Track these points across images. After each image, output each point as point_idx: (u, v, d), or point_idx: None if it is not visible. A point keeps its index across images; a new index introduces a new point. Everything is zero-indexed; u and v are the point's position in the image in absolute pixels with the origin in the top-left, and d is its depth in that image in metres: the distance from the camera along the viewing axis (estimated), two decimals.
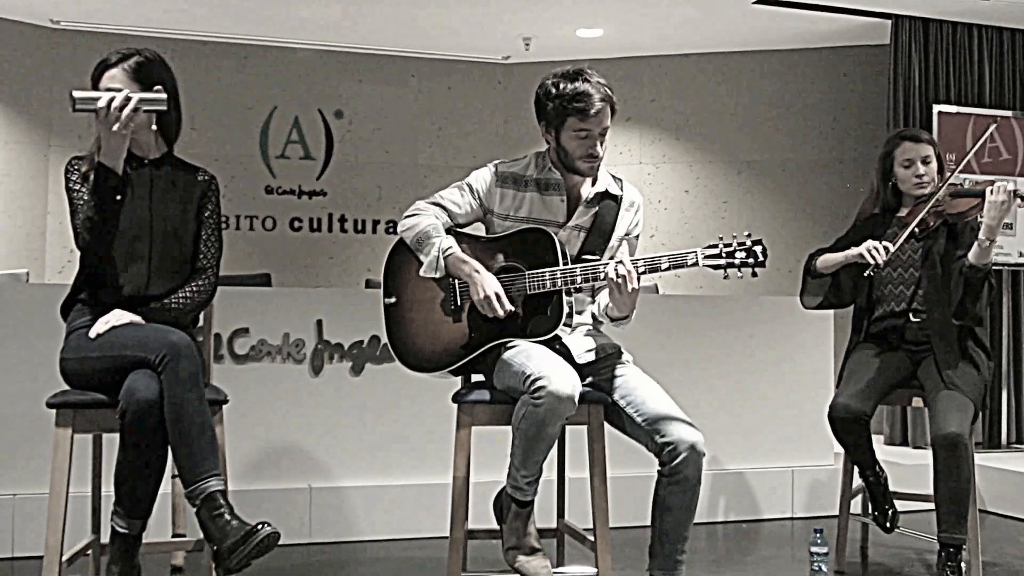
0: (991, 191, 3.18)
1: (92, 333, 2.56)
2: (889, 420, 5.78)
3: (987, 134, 3.44)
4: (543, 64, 6.52)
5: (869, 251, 3.27)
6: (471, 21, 6.26)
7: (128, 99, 2.51)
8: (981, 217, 3.25)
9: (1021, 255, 5.75)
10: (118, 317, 2.58)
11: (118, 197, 2.56)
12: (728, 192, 6.83)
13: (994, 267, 5.58)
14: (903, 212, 3.50)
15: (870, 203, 3.59)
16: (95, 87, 2.71)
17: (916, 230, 3.37)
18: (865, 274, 3.35)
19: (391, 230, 6.90)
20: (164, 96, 2.60)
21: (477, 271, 2.67)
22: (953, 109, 5.75)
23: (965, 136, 5.74)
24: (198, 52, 6.58)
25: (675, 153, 6.91)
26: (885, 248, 3.26)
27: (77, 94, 2.54)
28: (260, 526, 2.35)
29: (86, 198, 2.61)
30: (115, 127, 2.50)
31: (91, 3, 5.97)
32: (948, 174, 3.46)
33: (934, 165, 3.45)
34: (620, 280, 2.53)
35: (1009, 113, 5.85)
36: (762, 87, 6.76)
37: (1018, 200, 3.19)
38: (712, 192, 6.85)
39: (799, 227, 6.63)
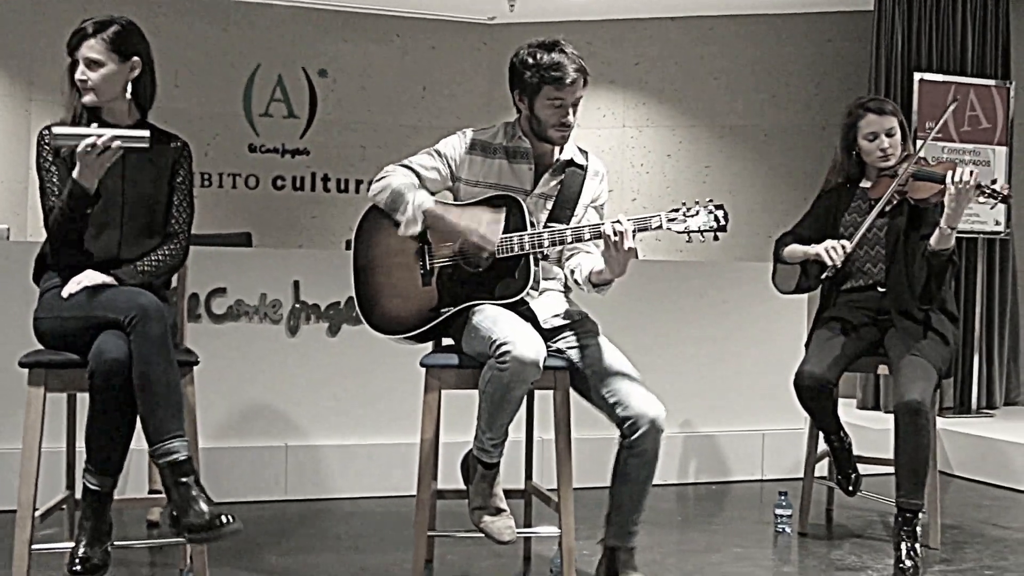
0: (951, 181, 3.15)
1: (64, 293, 2.59)
2: (862, 384, 5.86)
3: (947, 113, 3.42)
4: (528, 25, 6.51)
5: (828, 251, 3.33)
6: None
7: (110, 141, 2.50)
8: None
9: (997, 223, 5.80)
10: (91, 278, 2.61)
11: (88, 210, 2.59)
12: (710, 156, 6.85)
13: (970, 235, 5.70)
14: (867, 184, 3.53)
15: (834, 174, 3.62)
16: (72, 55, 2.70)
17: (884, 208, 3.40)
18: (823, 276, 3.41)
19: (368, 196, 6.90)
20: (147, 134, 2.58)
21: (455, 221, 2.71)
22: (935, 77, 5.76)
23: (946, 103, 5.75)
24: (182, 9, 6.53)
25: (658, 117, 6.91)
26: (843, 247, 3.32)
27: (57, 130, 2.54)
28: (226, 519, 2.39)
29: (56, 181, 2.64)
30: (95, 165, 2.51)
31: None
32: (912, 153, 3.46)
33: (898, 136, 3.46)
34: (617, 237, 2.56)
35: (991, 82, 5.87)
36: (746, 52, 6.75)
37: (977, 190, 3.17)
38: (694, 156, 6.87)
39: (780, 192, 6.66)
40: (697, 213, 2.62)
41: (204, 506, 2.41)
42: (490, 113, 6.66)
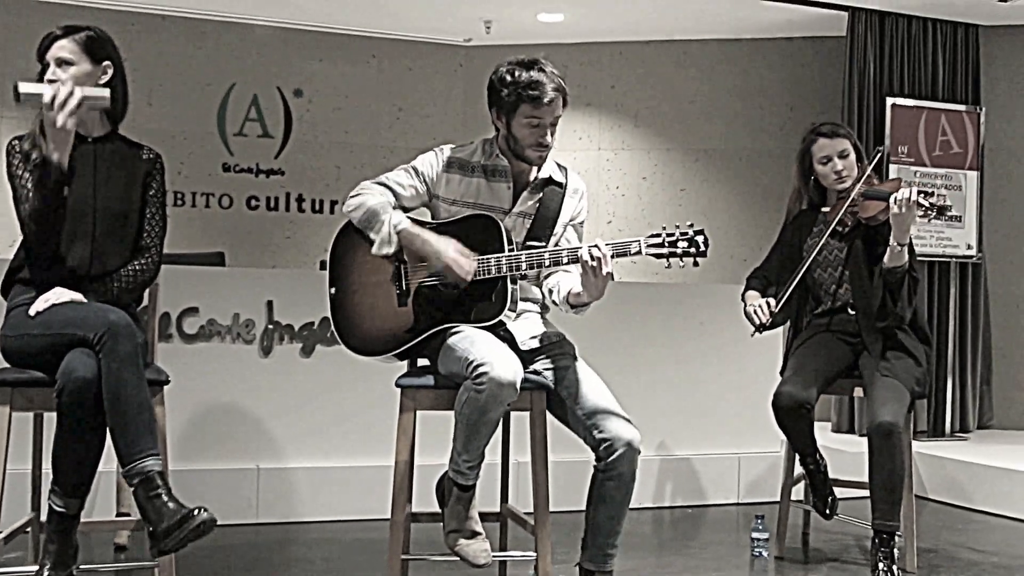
0: (893, 200, 3.21)
1: (32, 311, 2.54)
2: (836, 408, 5.87)
3: (876, 159, 3.47)
4: (504, 48, 6.52)
5: (754, 312, 3.43)
6: (433, 3, 6.23)
7: (71, 93, 2.50)
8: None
9: (969, 247, 5.86)
10: (58, 295, 2.56)
11: (64, 190, 2.55)
12: (685, 180, 6.87)
13: (942, 259, 5.75)
14: (827, 208, 3.56)
15: (795, 202, 3.67)
16: (41, 60, 2.68)
17: (837, 228, 3.44)
18: (751, 334, 3.46)
19: (343, 212, 6.87)
20: (107, 93, 2.60)
21: (431, 242, 2.68)
22: (907, 102, 5.83)
23: (918, 129, 5.83)
24: (156, 27, 6.49)
25: (633, 140, 6.94)
26: (768, 304, 3.42)
27: (22, 87, 2.53)
28: (197, 511, 2.34)
29: (29, 186, 2.60)
30: (60, 121, 2.49)
31: None
32: (862, 174, 3.49)
33: (852, 157, 3.51)
34: (595, 263, 2.54)
35: (962, 107, 5.94)
36: (721, 75, 6.80)
37: (920, 208, 3.20)
38: (670, 179, 6.89)
39: (755, 216, 6.69)
40: (677, 238, 2.61)
41: (173, 505, 2.35)
42: (466, 135, 6.64)
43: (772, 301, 3.44)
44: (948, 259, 5.81)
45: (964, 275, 5.98)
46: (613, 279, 2.60)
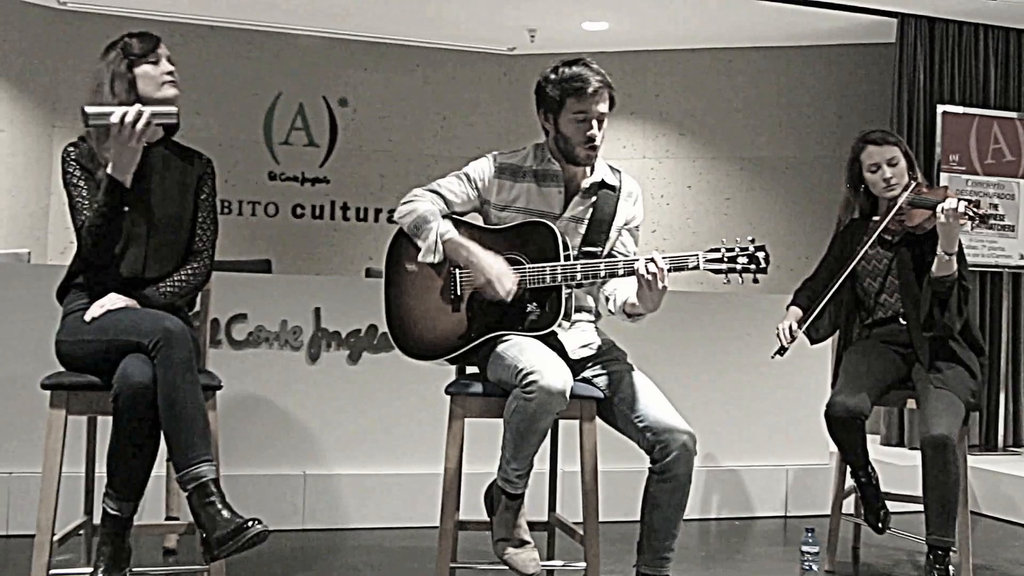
0: (940, 209, 3.16)
1: (87, 316, 2.57)
2: (886, 421, 5.78)
3: (901, 201, 3.39)
4: (548, 56, 6.49)
5: (779, 333, 3.41)
6: (477, 12, 6.25)
7: (140, 113, 2.53)
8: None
9: (1022, 256, 5.74)
10: (113, 301, 2.59)
11: (125, 208, 2.59)
12: (731, 189, 6.82)
13: (994, 269, 5.64)
14: (878, 218, 3.50)
15: (844, 211, 3.62)
16: (144, 59, 2.70)
17: (885, 236, 3.40)
18: (772, 355, 3.42)
19: (393, 219, 6.90)
20: (175, 110, 2.64)
21: (476, 255, 2.66)
22: (958, 109, 5.74)
23: (969, 137, 5.73)
24: (204, 37, 6.58)
25: (678, 148, 6.90)
26: (791, 329, 3.41)
27: (90, 110, 2.56)
28: (251, 523, 2.36)
29: (86, 195, 2.63)
30: (130, 142, 2.53)
31: None
32: (918, 182, 3.44)
33: (902, 165, 3.44)
34: (651, 277, 2.52)
35: (1014, 114, 5.84)
36: (767, 83, 6.75)
37: (965, 219, 3.15)
38: (715, 188, 6.84)
39: (801, 225, 6.62)
40: (736, 254, 2.58)
41: (228, 514, 2.37)
42: (510, 143, 6.65)
43: (795, 325, 3.43)
44: (1000, 269, 5.70)
45: (1017, 285, 5.86)
46: (665, 289, 2.57)
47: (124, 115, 2.51)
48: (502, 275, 2.63)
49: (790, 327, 3.43)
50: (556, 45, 6.52)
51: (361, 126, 6.93)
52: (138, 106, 2.55)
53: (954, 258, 3.22)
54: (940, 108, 5.70)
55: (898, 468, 4.67)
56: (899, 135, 3.60)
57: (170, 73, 2.72)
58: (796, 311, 3.56)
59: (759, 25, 6.30)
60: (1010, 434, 5.76)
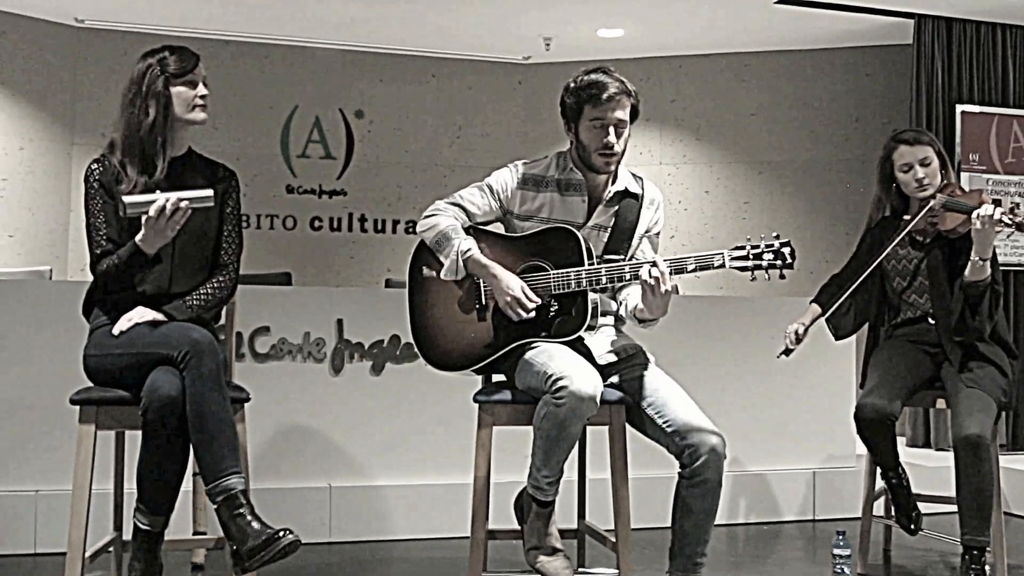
0: (976, 216, 3.12)
1: (115, 330, 2.58)
2: (911, 422, 5.73)
3: (934, 203, 3.35)
4: (563, 64, 6.52)
5: (785, 334, 3.43)
6: (491, 21, 6.26)
7: (178, 206, 2.52)
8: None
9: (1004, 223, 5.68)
10: (141, 314, 2.59)
11: (143, 270, 2.63)
12: (749, 193, 6.79)
13: (1017, 268, 5.59)
14: (909, 217, 3.47)
15: (875, 210, 3.59)
16: (182, 77, 2.71)
17: (917, 237, 3.38)
18: (777, 355, 3.43)
19: (411, 230, 6.91)
20: (211, 193, 2.62)
21: (496, 275, 2.66)
22: (977, 109, 5.71)
23: (989, 136, 5.70)
24: (220, 51, 6.60)
25: (695, 154, 6.88)
26: (796, 332, 3.43)
27: (127, 199, 2.55)
28: (283, 532, 2.35)
29: (103, 222, 2.64)
30: (164, 231, 2.54)
31: (115, 2, 6.02)
32: (950, 182, 3.41)
33: (935, 164, 3.40)
34: (653, 282, 2.51)
35: None
36: (783, 87, 6.73)
37: (1001, 225, 3.12)
38: (733, 193, 6.82)
39: (820, 228, 6.59)
40: (762, 251, 2.57)
41: (258, 525, 2.36)
42: (526, 152, 6.65)
43: (803, 328, 3.44)
44: (1020, 267, 5.66)
45: None
46: (678, 292, 2.56)
47: (163, 208, 2.50)
48: (520, 297, 2.62)
49: (796, 330, 3.42)
50: (571, 53, 6.52)
51: (377, 138, 6.95)
52: (176, 196, 2.53)
53: (987, 263, 3.19)
54: (959, 108, 5.68)
55: (926, 469, 4.63)
56: (932, 135, 3.54)
57: (203, 97, 2.72)
58: (815, 309, 3.55)
59: (774, 29, 6.28)
60: None
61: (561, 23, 6.24)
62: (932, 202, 3.33)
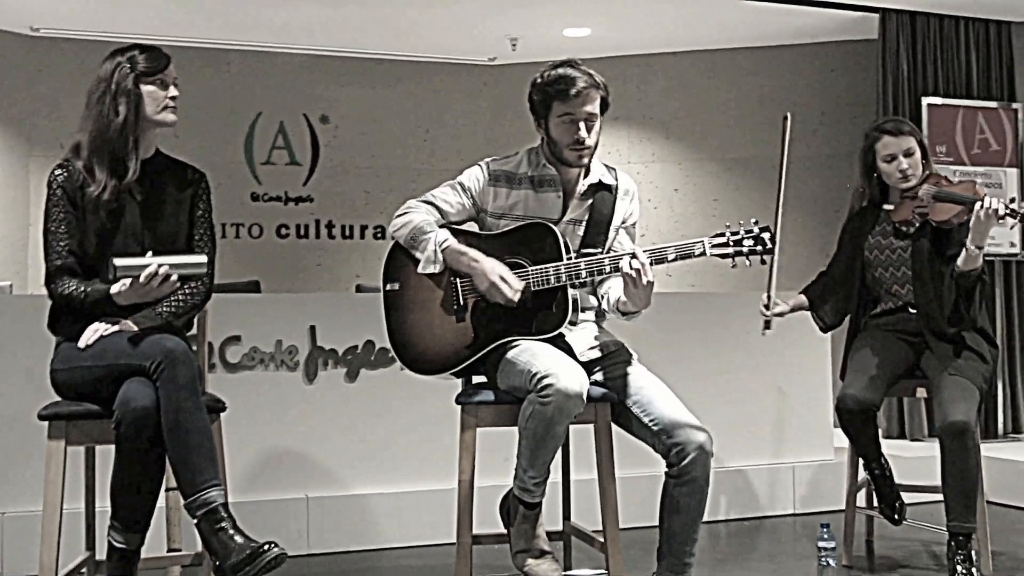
0: (979, 207, 3.10)
1: (81, 343, 2.49)
2: (886, 413, 5.75)
3: (922, 193, 3.34)
4: (530, 65, 6.46)
5: (760, 312, 3.43)
6: (457, 22, 6.21)
7: (168, 275, 2.44)
8: (967, 218, 3.19)
9: (1012, 245, 5.74)
10: (108, 326, 2.50)
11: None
12: (718, 190, 6.80)
13: (987, 258, 5.64)
14: (890, 206, 3.47)
15: (857, 201, 3.58)
16: (152, 77, 2.64)
17: (902, 228, 3.37)
18: (761, 333, 3.43)
19: (379, 235, 6.84)
20: (203, 260, 2.53)
21: (476, 260, 2.61)
22: (942, 101, 5.75)
23: (955, 128, 5.74)
24: (180, 58, 6.38)
25: (664, 152, 6.87)
26: (766, 302, 3.43)
27: (119, 262, 2.44)
28: (268, 546, 2.28)
29: (63, 233, 2.55)
30: (147, 296, 2.46)
31: (71, 10, 5.89)
32: (933, 172, 3.41)
33: (917, 155, 3.40)
34: (635, 273, 2.47)
35: (994, 104, 5.85)
36: (750, 84, 6.74)
37: (1006, 217, 3.11)
38: (702, 190, 6.82)
39: (790, 224, 6.53)
40: (742, 237, 2.54)
41: (241, 539, 2.28)
42: (493, 154, 6.56)
43: (772, 298, 3.44)
44: (991, 258, 5.70)
45: (1008, 274, 5.88)
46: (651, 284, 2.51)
47: (153, 275, 2.41)
48: (507, 277, 2.58)
49: (764, 301, 3.42)
50: (538, 53, 6.46)
51: (343, 143, 6.87)
52: (167, 267, 2.43)
53: (982, 252, 3.18)
54: (925, 101, 5.72)
55: (903, 460, 4.62)
56: (914, 125, 3.54)
57: (174, 98, 2.65)
58: (800, 298, 3.57)
59: (741, 26, 6.29)
60: (1009, 420, 5.76)
61: (527, 23, 6.21)
62: (920, 192, 3.32)
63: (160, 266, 2.41)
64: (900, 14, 5.84)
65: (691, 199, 6.83)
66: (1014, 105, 5.88)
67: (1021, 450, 5.07)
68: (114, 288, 2.45)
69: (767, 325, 3.42)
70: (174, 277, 2.45)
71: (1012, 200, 3.17)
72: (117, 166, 2.56)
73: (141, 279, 2.40)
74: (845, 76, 6.59)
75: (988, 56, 5.97)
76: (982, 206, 3.10)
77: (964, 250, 3.19)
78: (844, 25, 6.18)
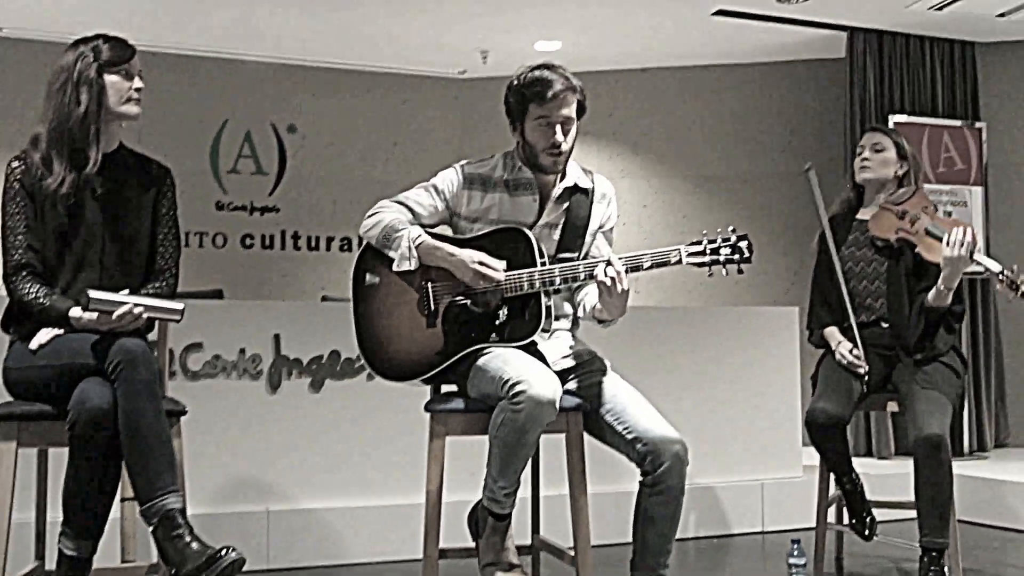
0: (947, 245, 3.11)
1: (33, 344, 2.40)
2: (853, 431, 5.74)
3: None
4: (500, 79, 6.44)
5: (848, 364, 3.27)
6: (427, 34, 6.17)
7: (141, 315, 2.37)
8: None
9: (977, 264, 5.77)
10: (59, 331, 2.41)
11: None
12: (687, 206, 6.79)
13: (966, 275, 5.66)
14: (865, 215, 3.46)
15: (836, 205, 3.57)
16: (114, 67, 2.57)
17: (877, 243, 3.34)
18: (864, 383, 3.29)
19: (345, 247, 6.75)
20: (180, 307, 2.45)
21: (454, 252, 2.56)
22: (908, 119, 5.79)
23: (921, 146, 5.77)
24: (146, 64, 6.29)
25: (633, 168, 6.86)
26: (851, 352, 3.28)
27: (94, 295, 2.36)
28: (224, 551, 2.19)
29: (21, 228, 2.47)
30: (113, 329, 2.36)
31: (37, 11, 5.77)
32: (917, 188, 3.38)
33: (887, 155, 3.39)
34: (610, 282, 2.42)
35: (959, 123, 5.90)
36: (720, 101, 6.75)
37: (974, 257, 3.13)
38: (671, 206, 6.81)
39: (758, 238, 6.52)
40: (719, 245, 2.50)
41: (197, 546, 2.19)
42: None
43: (850, 348, 3.30)
44: (975, 277, 5.73)
45: (973, 292, 5.91)
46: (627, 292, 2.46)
47: (126, 313, 2.34)
48: (486, 260, 2.52)
49: (850, 350, 3.29)
50: (509, 66, 6.34)
51: (311, 153, 6.78)
52: (142, 307, 2.36)
53: (951, 292, 3.19)
54: (892, 119, 5.75)
55: (871, 477, 4.60)
56: (900, 134, 3.51)
57: (138, 90, 2.57)
58: (832, 331, 3.43)
59: (711, 43, 6.31)
60: (974, 439, 5.77)
61: (498, 36, 6.18)
62: (910, 216, 3.28)
63: (136, 306, 2.34)
64: (867, 33, 5.90)
65: (660, 215, 6.82)
66: (978, 124, 5.94)
67: (987, 468, 5.08)
68: (75, 312, 2.37)
69: (868, 374, 3.28)
70: (146, 316, 2.38)
71: (1013, 269, 3.14)
72: (77, 157, 2.47)
73: (113, 317, 2.33)
74: (814, 94, 6.63)
75: (953, 75, 6.04)
76: (947, 244, 3.08)
77: (935, 288, 3.20)
78: (813, 44, 6.22)
